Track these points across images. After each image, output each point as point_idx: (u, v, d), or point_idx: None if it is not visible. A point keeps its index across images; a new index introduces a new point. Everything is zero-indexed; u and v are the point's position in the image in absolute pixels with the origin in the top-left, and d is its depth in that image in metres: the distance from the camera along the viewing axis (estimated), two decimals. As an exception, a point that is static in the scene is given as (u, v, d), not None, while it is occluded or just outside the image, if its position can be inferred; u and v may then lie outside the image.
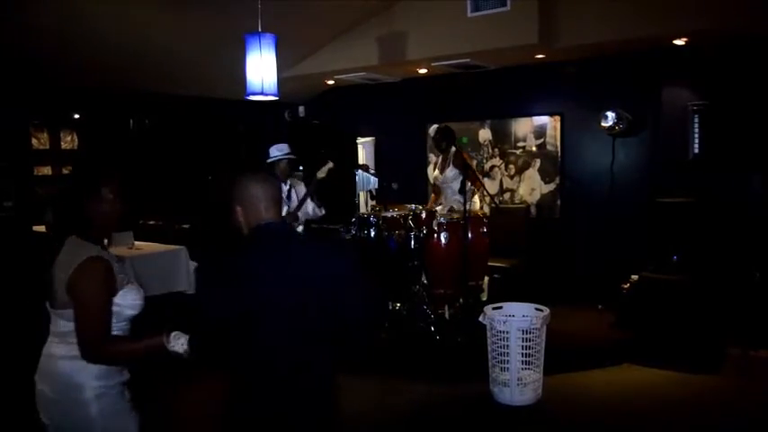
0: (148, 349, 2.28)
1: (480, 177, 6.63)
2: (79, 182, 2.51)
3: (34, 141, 8.44)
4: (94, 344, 2.22)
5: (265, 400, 2.07)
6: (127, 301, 2.36)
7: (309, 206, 5.58)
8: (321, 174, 5.43)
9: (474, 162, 7.26)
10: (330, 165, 5.46)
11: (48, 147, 8.58)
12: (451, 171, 6.13)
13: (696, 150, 5.95)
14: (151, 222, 7.50)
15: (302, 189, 5.61)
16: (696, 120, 5.92)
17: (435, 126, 6.26)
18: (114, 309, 2.32)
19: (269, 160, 5.47)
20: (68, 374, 2.29)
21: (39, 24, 5.60)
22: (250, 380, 2.08)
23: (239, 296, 2.05)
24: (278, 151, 5.50)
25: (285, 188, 5.46)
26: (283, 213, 5.09)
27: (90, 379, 2.29)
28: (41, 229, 6.75)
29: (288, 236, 2.31)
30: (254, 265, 2.10)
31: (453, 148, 6.15)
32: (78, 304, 2.23)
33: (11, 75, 6.86)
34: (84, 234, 2.38)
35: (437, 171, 6.36)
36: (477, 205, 6.15)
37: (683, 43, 5.76)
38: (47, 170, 8.59)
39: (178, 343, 2.22)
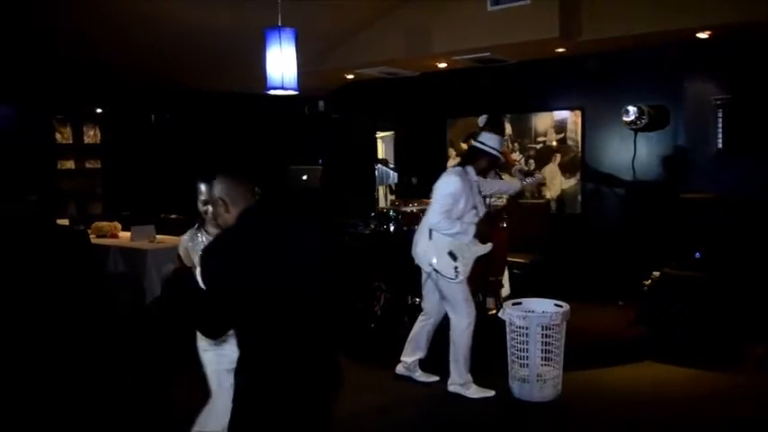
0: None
1: (500, 173, 6.55)
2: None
3: (58, 136, 8.55)
4: None
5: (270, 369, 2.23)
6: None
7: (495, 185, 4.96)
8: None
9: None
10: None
11: (71, 141, 8.69)
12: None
13: (720, 145, 5.88)
14: (172, 216, 7.56)
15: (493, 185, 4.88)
16: (720, 114, 5.84)
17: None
18: None
19: (488, 149, 4.45)
20: None
21: (62, 21, 5.67)
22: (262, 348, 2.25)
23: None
24: (497, 143, 4.50)
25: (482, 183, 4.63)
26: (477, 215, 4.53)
27: None
28: (65, 222, 6.87)
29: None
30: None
31: None
32: None
33: (35, 70, 6.97)
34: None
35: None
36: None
37: (707, 36, 5.68)
38: (70, 164, 8.70)
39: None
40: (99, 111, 8.86)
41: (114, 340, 5.57)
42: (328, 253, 2.47)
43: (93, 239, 6.39)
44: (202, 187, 2.91)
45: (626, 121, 6.25)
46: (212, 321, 2.25)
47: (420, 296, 5.64)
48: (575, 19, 5.86)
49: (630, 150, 6.48)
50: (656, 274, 5.63)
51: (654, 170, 6.41)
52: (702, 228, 5.49)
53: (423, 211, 5.61)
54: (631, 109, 6.18)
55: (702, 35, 5.66)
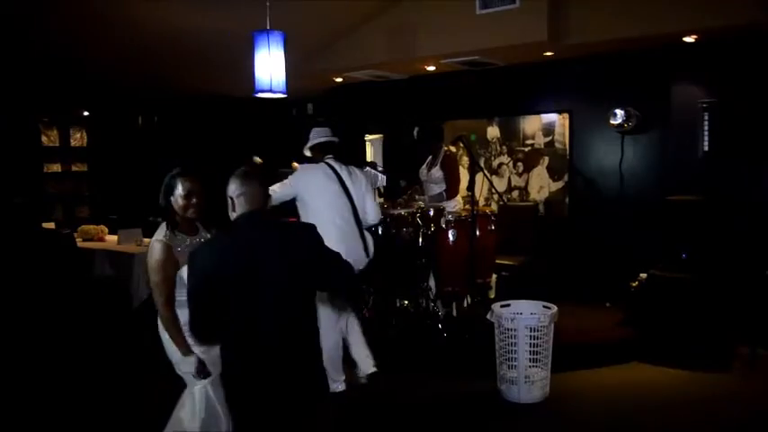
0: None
1: (489, 176, 6.59)
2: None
3: (44, 138, 8.50)
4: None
5: (256, 357, 2.38)
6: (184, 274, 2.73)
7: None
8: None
9: (479, 161, 7.18)
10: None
11: (57, 144, 8.64)
12: (438, 172, 6.10)
13: (706, 148, 5.91)
14: (160, 219, 7.52)
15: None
16: (706, 117, 5.88)
17: (417, 128, 6.27)
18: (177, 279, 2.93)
19: (328, 138, 4.97)
20: None
21: (49, 23, 5.63)
22: (243, 337, 2.39)
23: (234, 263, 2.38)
24: (326, 132, 4.98)
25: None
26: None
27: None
28: (51, 225, 6.82)
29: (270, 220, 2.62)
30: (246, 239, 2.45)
31: (444, 148, 6.15)
32: None
33: (21, 72, 6.91)
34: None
35: (425, 168, 6.33)
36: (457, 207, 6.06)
37: (693, 40, 5.72)
38: (56, 167, 8.65)
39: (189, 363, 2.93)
40: (86, 113, 8.82)
41: (99, 343, 5.53)
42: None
43: (80, 243, 6.34)
44: (187, 183, 3.11)
45: (613, 124, 6.29)
46: (198, 319, 2.39)
47: (410, 298, 5.66)
48: (563, 23, 5.89)
49: (618, 153, 6.51)
50: (644, 275, 5.67)
51: (641, 172, 6.44)
52: (689, 229, 5.53)
53: (411, 214, 5.65)
54: (619, 112, 6.21)
55: (689, 39, 5.71)
